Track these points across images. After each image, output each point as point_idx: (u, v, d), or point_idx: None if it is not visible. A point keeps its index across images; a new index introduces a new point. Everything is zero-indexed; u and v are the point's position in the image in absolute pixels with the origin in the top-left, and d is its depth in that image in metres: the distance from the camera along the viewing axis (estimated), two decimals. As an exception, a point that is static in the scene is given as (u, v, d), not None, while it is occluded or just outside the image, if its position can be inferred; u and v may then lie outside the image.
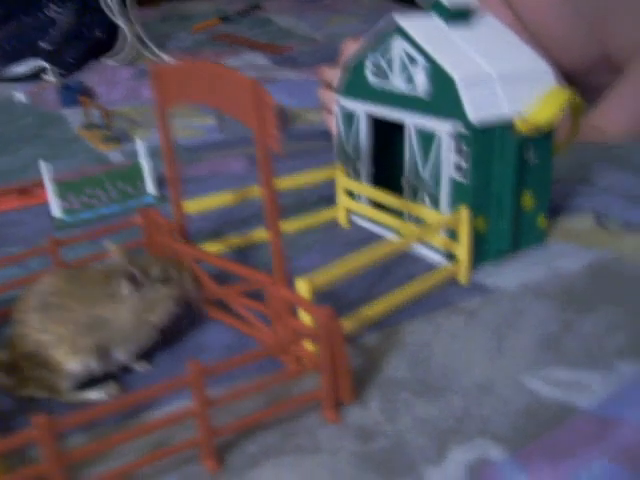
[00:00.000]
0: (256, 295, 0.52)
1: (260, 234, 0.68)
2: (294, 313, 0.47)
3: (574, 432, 0.41)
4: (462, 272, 0.59)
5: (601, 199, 0.75)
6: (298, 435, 0.43)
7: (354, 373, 0.48)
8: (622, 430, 0.41)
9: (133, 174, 0.85)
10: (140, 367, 0.51)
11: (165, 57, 1.66)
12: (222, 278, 0.59)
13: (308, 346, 0.47)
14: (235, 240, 0.68)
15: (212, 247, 0.66)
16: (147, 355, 0.51)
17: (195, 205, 0.65)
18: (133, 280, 0.49)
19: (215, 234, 0.71)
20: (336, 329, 0.42)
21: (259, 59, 1.66)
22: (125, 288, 0.48)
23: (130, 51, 1.66)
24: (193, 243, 0.61)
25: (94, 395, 0.48)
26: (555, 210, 0.72)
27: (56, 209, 0.80)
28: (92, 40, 1.65)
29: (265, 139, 0.42)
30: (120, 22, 1.64)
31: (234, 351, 0.52)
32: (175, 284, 0.51)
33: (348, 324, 0.51)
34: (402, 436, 0.42)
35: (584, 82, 1.26)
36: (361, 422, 0.43)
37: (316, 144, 1.03)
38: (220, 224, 0.74)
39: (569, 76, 1.25)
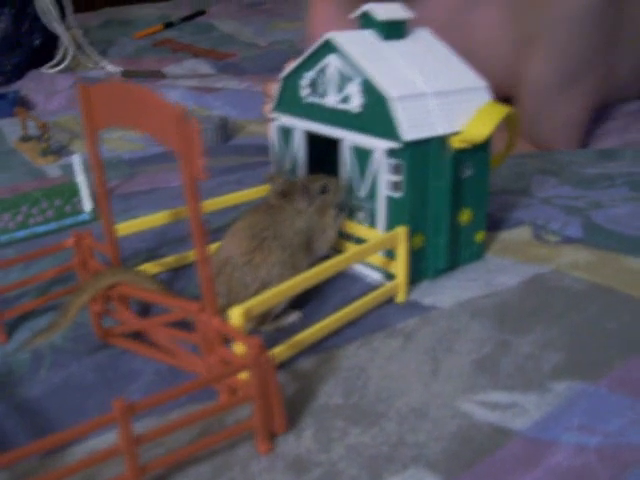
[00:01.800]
0: (182, 323, 0.52)
1: (194, 253, 0.67)
2: (226, 342, 0.46)
3: (508, 457, 0.41)
4: (400, 291, 0.59)
5: (540, 211, 0.76)
6: (231, 468, 0.42)
7: (288, 401, 0.47)
8: (557, 453, 0.41)
9: (69, 192, 0.83)
10: (294, 318, 0.58)
11: (106, 64, 1.63)
12: (148, 305, 0.58)
13: (241, 375, 0.46)
14: (170, 260, 0.66)
15: (148, 269, 0.65)
16: (298, 304, 0.58)
17: (130, 227, 0.64)
18: (306, 194, 0.59)
19: (152, 254, 0.70)
20: (265, 359, 0.41)
21: (201, 66, 1.64)
22: (303, 202, 0.59)
23: (70, 59, 1.63)
24: (127, 267, 0.60)
25: (291, 319, 0.57)
26: (494, 223, 0.73)
27: (-11, 228, 0.78)
28: (31, 48, 1.62)
29: (191, 168, 0.41)
30: (58, 29, 1.61)
31: (165, 377, 0.51)
32: (332, 193, 0.61)
33: (283, 350, 0.50)
34: (335, 466, 0.41)
35: None
36: (295, 452, 0.43)
37: (257, 157, 1.02)
38: (157, 244, 0.73)
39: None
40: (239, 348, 0.46)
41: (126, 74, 1.54)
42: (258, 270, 0.55)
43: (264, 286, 0.54)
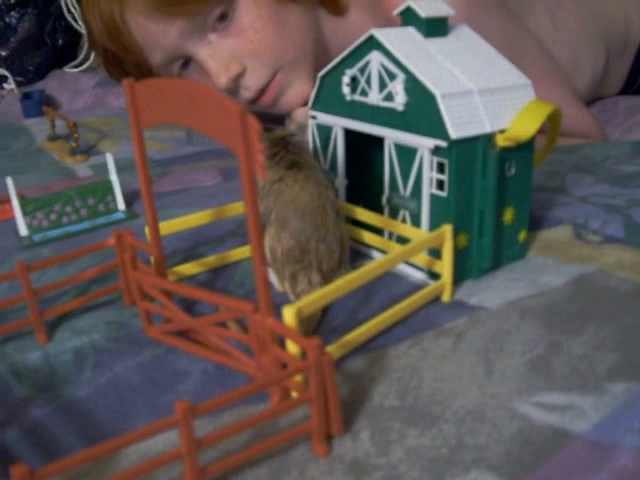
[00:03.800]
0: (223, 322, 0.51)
1: (235, 253, 0.67)
2: (279, 342, 0.46)
3: (571, 460, 0.41)
4: (445, 291, 0.58)
5: (578, 210, 0.75)
6: (289, 471, 0.41)
7: (343, 402, 0.46)
8: (621, 456, 0.41)
9: (103, 190, 0.83)
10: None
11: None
12: (190, 303, 0.58)
13: (296, 377, 0.45)
14: (211, 260, 0.66)
15: (189, 269, 0.65)
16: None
17: (171, 226, 0.64)
18: None
19: (190, 254, 0.69)
20: (326, 361, 0.41)
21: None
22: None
23: (93, 58, 1.62)
24: (169, 266, 0.60)
25: None
26: (533, 222, 0.72)
27: (23, 227, 0.78)
28: (54, 47, 1.62)
29: (251, 165, 0.41)
30: (82, 28, 1.61)
31: (213, 377, 0.50)
32: None
33: (334, 350, 0.50)
34: (396, 469, 0.41)
35: None
36: (353, 455, 0.42)
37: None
38: (194, 243, 0.72)
39: None
40: (293, 348, 0.45)
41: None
42: (334, 235, 0.58)
43: (341, 245, 0.58)
